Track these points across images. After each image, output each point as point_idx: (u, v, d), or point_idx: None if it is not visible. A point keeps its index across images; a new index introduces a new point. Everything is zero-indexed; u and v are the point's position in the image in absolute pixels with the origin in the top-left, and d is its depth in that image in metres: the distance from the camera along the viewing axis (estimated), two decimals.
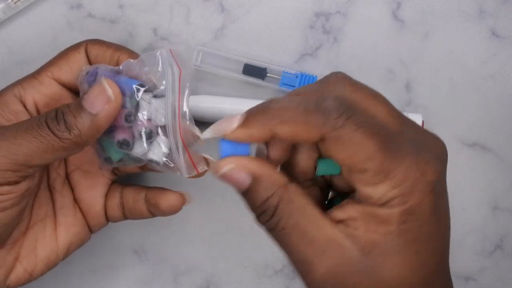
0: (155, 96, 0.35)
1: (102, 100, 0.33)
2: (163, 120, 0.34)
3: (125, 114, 0.34)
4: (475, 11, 0.45)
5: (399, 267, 0.28)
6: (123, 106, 0.34)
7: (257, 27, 0.46)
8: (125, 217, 0.40)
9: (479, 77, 0.45)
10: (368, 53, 0.45)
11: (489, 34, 0.45)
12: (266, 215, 0.30)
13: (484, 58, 0.45)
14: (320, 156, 0.33)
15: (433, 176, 0.29)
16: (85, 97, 0.33)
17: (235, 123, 0.30)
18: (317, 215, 0.29)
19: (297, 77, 0.44)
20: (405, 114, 0.43)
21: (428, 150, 0.30)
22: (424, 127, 0.43)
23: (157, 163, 0.35)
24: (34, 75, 0.38)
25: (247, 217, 0.46)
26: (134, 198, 0.39)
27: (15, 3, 0.44)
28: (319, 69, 0.45)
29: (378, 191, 0.28)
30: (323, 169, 0.33)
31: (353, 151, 0.28)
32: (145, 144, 0.34)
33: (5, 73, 0.45)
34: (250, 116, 0.30)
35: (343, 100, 0.29)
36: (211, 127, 0.31)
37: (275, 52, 0.45)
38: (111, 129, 0.35)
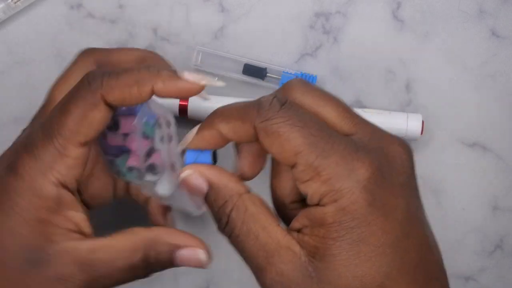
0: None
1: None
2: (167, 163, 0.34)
3: (149, 147, 0.34)
4: (475, 11, 0.45)
5: (340, 271, 0.28)
6: (148, 135, 0.34)
7: (257, 27, 0.46)
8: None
9: (479, 77, 0.45)
10: (368, 53, 0.45)
11: (489, 34, 0.45)
12: (222, 222, 0.31)
13: (484, 58, 0.45)
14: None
15: (365, 173, 0.28)
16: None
17: (193, 132, 0.32)
18: (270, 222, 0.30)
19: (297, 77, 0.44)
20: (405, 114, 0.43)
21: (375, 149, 0.29)
22: (424, 127, 0.43)
23: (164, 197, 0.35)
24: (59, 149, 0.32)
25: None
26: (138, 195, 0.39)
27: (15, 3, 0.44)
28: (319, 69, 0.45)
29: (311, 187, 0.28)
30: None
31: (281, 144, 0.29)
32: (153, 178, 0.34)
33: (5, 73, 0.45)
34: (203, 122, 0.32)
35: (281, 96, 0.30)
36: (182, 141, 0.33)
37: (275, 52, 0.45)
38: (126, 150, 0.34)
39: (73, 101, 0.32)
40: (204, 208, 0.33)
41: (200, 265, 0.34)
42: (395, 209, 0.29)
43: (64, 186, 0.33)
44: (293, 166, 0.29)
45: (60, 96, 0.34)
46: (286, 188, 0.33)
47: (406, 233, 0.29)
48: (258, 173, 0.33)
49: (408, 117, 0.43)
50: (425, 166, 0.45)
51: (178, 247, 0.34)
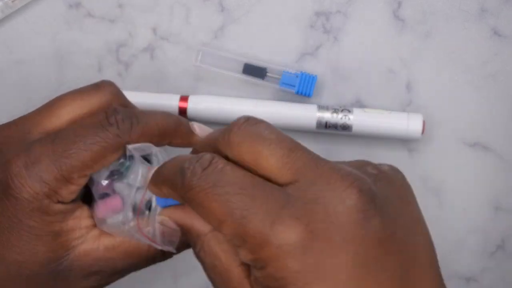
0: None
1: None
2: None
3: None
4: (476, 10, 0.45)
5: None
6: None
7: (257, 27, 0.45)
8: None
9: (480, 77, 0.45)
10: (368, 53, 0.45)
11: (491, 33, 0.45)
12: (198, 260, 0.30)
13: (485, 58, 0.45)
14: None
15: (289, 237, 0.25)
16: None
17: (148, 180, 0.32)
18: (231, 262, 0.28)
19: (297, 76, 0.44)
20: (406, 114, 0.43)
21: (300, 204, 0.26)
22: (425, 127, 0.43)
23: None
24: (66, 177, 0.32)
25: None
26: None
27: (13, 1, 0.44)
28: (319, 69, 0.45)
29: (240, 253, 0.27)
30: None
31: (204, 215, 0.28)
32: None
33: (3, 72, 0.45)
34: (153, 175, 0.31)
35: (206, 158, 0.28)
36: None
37: (275, 52, 0.45)
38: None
39: (97, 140, 0.32)
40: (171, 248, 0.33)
41: None
42: (336, 270, 0.25)
43: (64, 202, 0.33)
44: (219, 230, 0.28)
45: (68, 113, 0.34)
46: None
47: None
48: None
49: (409, 117, 0.43)
50: (426, 166, 0.45)
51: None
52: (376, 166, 0.29)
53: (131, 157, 0.32)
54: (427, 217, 0.30)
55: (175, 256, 0.46)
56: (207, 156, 0.28)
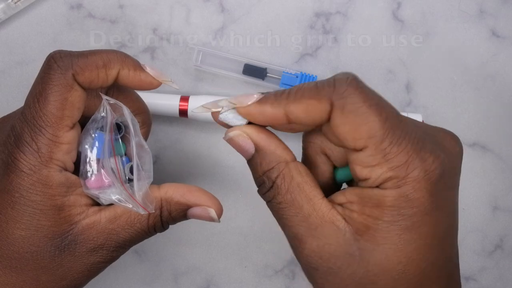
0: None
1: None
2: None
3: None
4: (475, 11, 0.45)
5: (388, 254, 0.28)
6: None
7: (257, 27, 0.46)
8: None
9: (479, 77, 0.45)
10: (368, 53, 0.45)
11: (489, 34, 0.45)
12: (265, 186, 0.31)
13: (484, 58, 0.45)
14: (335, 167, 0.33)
15: (434, 165, 0.28)
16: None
17: (252, 99, 0.31)
18: (315, 194, 0.30)
19: (297, 77, 0.44)
20: (405, 114, 0.43)
21: (435, 142, 0.29)
22: None
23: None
24: (52, 139, 0.32)
25: (247, 217, 0.46)
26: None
27: (15, 3, 0.44)
28: (319, 69, 0.45)
29: (375, 172, 0.28)
30: (340, 176, 0.33)
31: (356, 124, 0.28)
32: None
33: (5, 73, 0.45)
34: (266, 96, 0.31)
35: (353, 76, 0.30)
36: (231, 98, 0.32)
37: (275, 52, 0.45)
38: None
39: (48, 87, 0.32)
40: (150, 210, 0.33)
41: (211, 221, 0.34)
42: (448, 202, 0.29)
43: (66, 169, 0.33)
44: (360, 150, 0.28)
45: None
46: (324, 179, 0.33)
47: (450, 227, 0.29)
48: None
49: (408, 117, 0.43)
50: None
51: (189, 206, 0.34)
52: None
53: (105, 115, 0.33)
54: None
55: (175, 256, 0.46)
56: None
